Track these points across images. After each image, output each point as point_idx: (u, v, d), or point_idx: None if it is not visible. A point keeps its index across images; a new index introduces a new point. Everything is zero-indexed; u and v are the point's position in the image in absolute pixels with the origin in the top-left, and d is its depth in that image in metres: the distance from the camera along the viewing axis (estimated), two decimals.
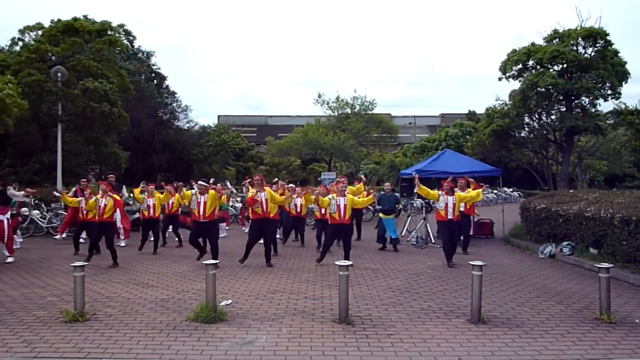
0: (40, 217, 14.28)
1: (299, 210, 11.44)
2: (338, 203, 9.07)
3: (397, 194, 13.40)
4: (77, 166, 20.11)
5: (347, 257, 9.24)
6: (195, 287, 7.32)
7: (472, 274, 5.61)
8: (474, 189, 10.33)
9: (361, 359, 4.54)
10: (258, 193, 9.11)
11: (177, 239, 12.17)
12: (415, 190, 10.12)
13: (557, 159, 21.00)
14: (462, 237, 10.76)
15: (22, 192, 10.39)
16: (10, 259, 9.78)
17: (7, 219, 10.01)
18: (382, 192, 12.46)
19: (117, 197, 9.76)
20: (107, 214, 9.24)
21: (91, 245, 9.54)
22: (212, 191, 9.12)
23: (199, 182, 9.27)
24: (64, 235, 12.68)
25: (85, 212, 10.38)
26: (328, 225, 9.56)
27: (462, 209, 10.20)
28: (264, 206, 9.15)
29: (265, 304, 6.37)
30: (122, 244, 11.84)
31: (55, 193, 12.03)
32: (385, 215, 11.53)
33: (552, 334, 5.22)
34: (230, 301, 6.44)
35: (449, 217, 9.46)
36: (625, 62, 17.89)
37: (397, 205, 12.53)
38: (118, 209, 10.84)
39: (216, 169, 31.95)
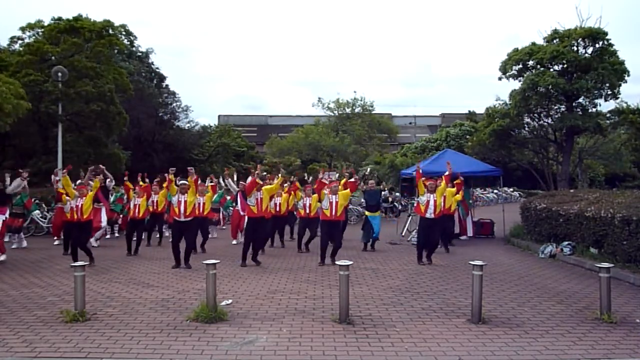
0: (41, 217, 14.29)
1: (308, 211, 11.16)
2: (330, 200, 9.24)
3: (381, 189, 13.27)
4: (77, 167, 20.11)
5: (333, 255, 9.37)
6: (196, 286, 7.32)
7: (472, 274, 5.61)
8: (457, 188, 10.57)
9: (361, 359, 4.54)
10: (256, 192, 9.26)
11: (159, 237, 12.15)
12: (414, 173, 9.97)
13: (557, 159, 20.99)
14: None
15: (18, 180, 10.06)
16: (1, 257, 9.80)
17: (4, 218, 9.98)
18: (365, 188, 12.21)
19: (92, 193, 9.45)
20: (85, 213, 9.08)
21: (72, 247, 9.35)
22: (192, 189, 9.02)
23: (181, 182, 9.12)
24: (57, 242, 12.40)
25: (69, 211, 10.11)
26: (320, 223, 9.70)
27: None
28: (260, 205, 9.28)
29: (265, 303, 6.37)
30: (95, 244, 11.63)
31: (58, 174, 11.80)
32: (371, 213, 11.46)
33: (553, 333, 5.22)
34: (230, 301, 6.44)
35: (428, 215, 9.39)
36: (623, 61, 17.87)
37: (381, 202, 12.38)
38: (104, 208, 10.80)
39: (217, 169, 31.93)
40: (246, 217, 9.80)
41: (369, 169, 14.44)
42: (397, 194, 22.21)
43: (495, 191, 29.04)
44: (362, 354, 4.62)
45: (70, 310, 5.68)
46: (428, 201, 9.42)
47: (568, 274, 8.54)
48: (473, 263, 5.65)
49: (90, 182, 9.71)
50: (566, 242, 10.01)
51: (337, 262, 5.80)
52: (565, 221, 10.20)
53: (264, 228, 9.61)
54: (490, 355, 4.62)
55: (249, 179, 9.76)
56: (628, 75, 18.07)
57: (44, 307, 6.22)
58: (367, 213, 11.67)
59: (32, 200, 12.97)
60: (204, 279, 6.42)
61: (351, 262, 5.83)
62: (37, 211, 14.24)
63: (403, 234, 13.67)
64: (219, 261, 6.09)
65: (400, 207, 20.99)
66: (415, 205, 10.41)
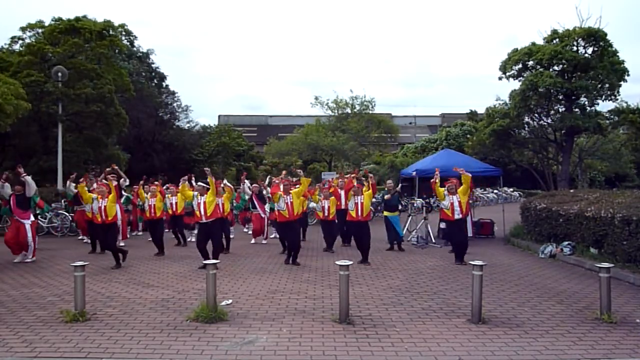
0: (41, 217, 14.29)
1: (327, 213, 11.05)
2: (356, 201, 9.30)
3: (399, 190, 13.35)
4: (77, 167, 20.13)
5: (365, 258, 9.27)
6: (196, 286, 7.33)
7: (472, 274, 5.61)
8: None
9: (362, 359, 4.54)
10: (285, 196, 9.07)
11: (181, 238, 12.16)
12: (432, 180, 9.88)
13: (557, 159, 21.01)
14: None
15: (28, 178, 10.03)
16: (29, 259, 9.83)
17: (30, 223, 9.91)
18: (384, 190, 12.31)
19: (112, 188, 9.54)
20: (110, 215, 9.16)
21: (102, 248, 9.53)
22: (212, 190, 9.12)
23: (199, 184, 9.23)
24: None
25: (91, 212, 10.12)
26: (347, 223, 9.77)
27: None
28: (291, 209, 9.09)
29: (265, 303, 6.37)
30: (122, 244, 11.78)
31: (70, 186, 11.94)
32: (390, 213, 11.46)
33: (553, 333, 5.22)
34: (230, 301, 6.44)
35: (457, 217, 9.41)
36: (623, 61, 17.88)
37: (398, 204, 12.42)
38: (118, 206, 10.77)
39: (217, 169, 31.92)
40: (277, 221, 9.60)
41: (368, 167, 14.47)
42: (399, 190, 22.20)
43: (495, 191, 29.02)
44: (362, 354, 4.62)
45: (70, 310, 5.68)
46: (452, 203, 9.40)
47: (568, 274, 8.54)
48: (473, 263, 5.65)
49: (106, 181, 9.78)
50: (566, 242, 10.01)
51: (337, 263, 5.76)
52: (565, 221, 10.20)
53: (295, 230, 9.43)
54: (490, 355, 4.62)
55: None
56: (628, 75, 18.09)
57: (44, 307, 6.22)
58: (385, 213, 11.64)
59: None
60: (204, 279, 6.43)
61: (351, 262, 5.83)
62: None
63: (403, 234, 13.65)
64: (219, 261, 6.09)
65: (400, 207, 20.94)
66: (440, 211, 10.22)
